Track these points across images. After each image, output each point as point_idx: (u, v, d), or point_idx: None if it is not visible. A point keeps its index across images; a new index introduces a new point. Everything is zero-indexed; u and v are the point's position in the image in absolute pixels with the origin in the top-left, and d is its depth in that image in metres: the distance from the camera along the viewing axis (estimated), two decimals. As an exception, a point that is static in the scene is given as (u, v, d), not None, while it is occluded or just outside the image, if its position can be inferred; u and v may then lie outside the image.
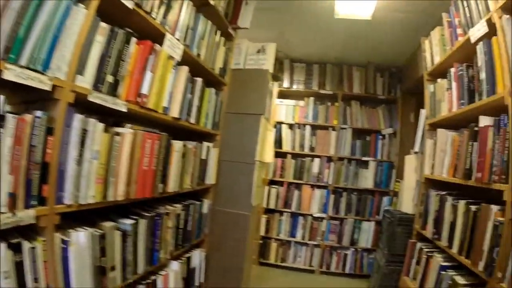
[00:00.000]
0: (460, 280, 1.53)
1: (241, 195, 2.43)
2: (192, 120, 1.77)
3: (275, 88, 3.58)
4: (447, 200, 1.79)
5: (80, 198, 1.04)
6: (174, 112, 1.59)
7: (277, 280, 3.33)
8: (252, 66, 2.67)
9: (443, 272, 1.67)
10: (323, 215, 3.62)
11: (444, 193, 1.88)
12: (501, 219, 1.32)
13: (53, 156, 0.94)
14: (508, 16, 1.31)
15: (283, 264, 3.65)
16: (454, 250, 1.63)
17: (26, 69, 0.85)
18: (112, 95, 1.17)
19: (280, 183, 3.74)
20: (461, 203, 1.64)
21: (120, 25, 1.18)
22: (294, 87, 3.81)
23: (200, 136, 2.00)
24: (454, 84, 1.83)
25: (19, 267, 0.85)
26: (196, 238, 1.97)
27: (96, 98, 1.09)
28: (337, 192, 3.64)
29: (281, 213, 3.72)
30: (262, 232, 3.65)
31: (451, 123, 1.92)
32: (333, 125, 3.71)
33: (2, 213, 0.81)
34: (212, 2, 1.81)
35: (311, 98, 3.80)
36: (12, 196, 0.84)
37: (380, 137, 3.62)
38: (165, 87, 1.48)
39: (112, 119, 1.28)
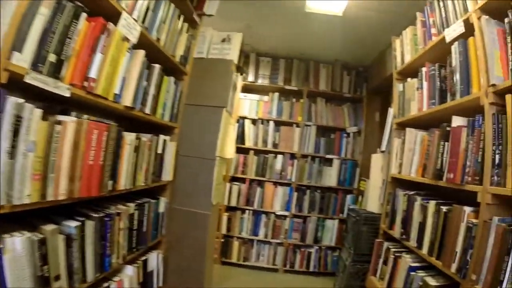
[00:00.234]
0: (431, 281, 1.51)
1: (200, 193, 2.33)
2: (147, 110, 1.63)
3: (239, 80, 3.44)
4: (416, 200, 1.78)
5: (13, 198, 0.89)
6: (127, 101, 1.43)
7: (240, 280, 3.25)
8: (215, 55, 2.53)
9: (413, 273, 1.65)
10: (286, 213, 3.58)
11: (412, 193, 1.88)
12: (474, 220, 1.31)
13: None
14: (487, 17, 1.29)
15: (246, 263, 3.57)
16: (424, 251, 1.62)
17: None
18: (54, 77, 1.01)
19: (242, 180, 3.65)
20: (431, 204, 1.63)
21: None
22: (259, 81, 3.71)
23: (156, 128, 1.87)
24: (425, 84, 1.82)
25: None
26: (152, 240, 1.86)
27: (34, 79, 0.92)
28: (301, 189, 3.61)
29: (243, 211, 3.63)
30: (223, 230, 3.56)
31: (420, 123, 1.92)
32: (297, 122, 3.66)
33: None
34: (177, -17, 1.64)
35: (276, 94, 3.73)
36: None
37: (345, 135, 3.64)
38: (117, 72, 1.32)
39: (60, 107, 1.13)
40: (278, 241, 3.55)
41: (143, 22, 1.51)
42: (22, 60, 0.89)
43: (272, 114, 3.70)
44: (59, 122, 1.04)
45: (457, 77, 1.50)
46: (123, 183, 1.46)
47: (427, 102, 1.80)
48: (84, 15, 1.10)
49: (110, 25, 1.24)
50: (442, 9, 1.63)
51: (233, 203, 3.60)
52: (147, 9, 1.51)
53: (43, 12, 0.94)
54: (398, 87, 2.18)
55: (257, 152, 3.66)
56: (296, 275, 3.49)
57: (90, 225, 1.23)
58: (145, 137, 1.65)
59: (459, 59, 1.48)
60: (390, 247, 2.00)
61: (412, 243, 1.75)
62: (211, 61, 2.50)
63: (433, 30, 1.73)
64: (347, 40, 3.00)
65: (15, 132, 0.87)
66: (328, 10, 2.37)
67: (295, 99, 3.74)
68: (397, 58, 2.21)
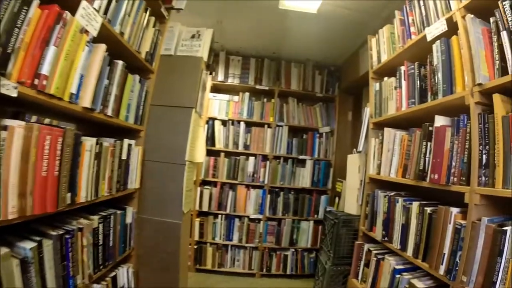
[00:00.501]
0: (418, 283, 1.48)
1: (170, 200, 2.18)
2: (109, 112, 1.48)
3: (208, 79, 3.30)
4: (397, 202, 1.76)
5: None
6: (85, 101, 1.27)
7: (216, 287, 3.12)
8: (184, 52, 2.37)
9: (398, 276, 1.62)
10: (260, 216, 3.48)
11: (392, 193, 1.85)
12: (463, 222, 1.29)
13: None
14: (472, 15, 1.27)
15: (221, 270, 3.44)
16: (409, 253, 1.60)
17: None
18: (-1, 73, 0.85)
19: (213, 184, 3.51)
20: (414, 205, 1.60)
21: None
22: (229, 81, 3.58)
23: (120, 132, 1.75)
24: (404, 83, 1.81)
25: None
26: (121, 254, 1.74)
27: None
28: (274, 191, 3.54)
29: (215, 215, 3.49)
30: (196, 236, 3.41)
31: (399, 122, 1.91)
32: (269, 122, 3.58)
33: None
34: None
35: (247, 94, 3.62)
36: None
37: (317, 135, 3.61)
38: (74, 68, 1.17)
39: (12, 109, 1.02)
40: (253, 245, 3.46)
41: (105, 13, 1.38)
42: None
43: (243, 114, 3.60)
44: (5, 128, 0.88)
45: (439, 76, 1.49)
46: (84, 194, 1.33)
47: (406, 102, 1.79)
48: (36, 1, 0.96)
49: (67, 15, 1.10)
50: (423, 8, 1.62)
51: (205, 207, 3.45)
52: (110, -1, 1.37)
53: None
54: (374, 86, 2.16)
55: (228, 154, 3.54)
56: (274, 278, 3.42)
57: (48, 245, 1.10)
58: (107, 142, 1.52)
59: (442, 58, 1.46)
60: (371, 249, 1.97)
61: (395, 245, 1.73)
62: (180, 58, 2.34)
63: (413, 29, 1.71)
64: (321, 39, 2.96)
65: None
66: (303, 8, 2.30)
67: (266, 99, 3.66)
68: (373, 57, 2.19)
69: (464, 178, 1.31)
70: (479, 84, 1.24)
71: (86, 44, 1.21)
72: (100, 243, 1.50)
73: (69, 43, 1.11)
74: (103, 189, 1.50)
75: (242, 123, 3.55)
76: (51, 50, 1.03)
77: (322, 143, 3.60)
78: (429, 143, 1.54)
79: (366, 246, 2.04)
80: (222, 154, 3.51)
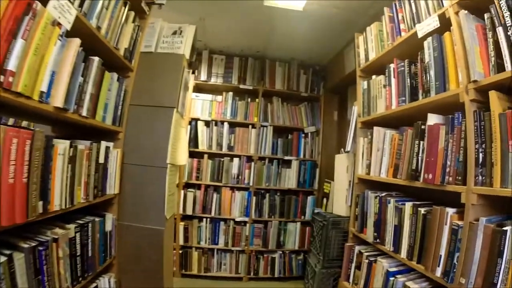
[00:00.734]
0: (414, 286, 1.45)
1: (152, 206, 2.08)
2: (84, 112, 1.38)
3: (191, 78, 3.19)
4: (389, 202, 1.73)
5: None
6: (57, 101, 1.16)
7: (204, 291, 3.03)
8: (165, 50, 2.26)
9: (392, 278, 1.59)
10: (246, 219, 3.40)
11: (383, 194, 1.83)
12: (459, 222, 1.27)
13: None
14: (466, 11, 1.25)
15: (207, 274, 3.34)
16: (402, 255, 1.57)
17: None
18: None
19: (197, 186, 3.40)
20: (407, 206, 1.58)
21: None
22: (212, 80, 3.48)
23: (97, 133, 1.64)
24: (393, 81, 1.78)
25: None
26: (101, 264, 1.66)
27: None
28: (259, 193, 3.46)
29: (200, 219, 3.38)
30: (181, 241, 3.29)
31: (388, 121, 1.88)
32: (253, 123, 3.50)
33: None
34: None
35: (230, 93, 3.53)
36: None
37: (303, 135, 3.56)
38: (44, 64, 1.06)
39: None
40: (239, 248, 3.37)
41: (80, 6, 1.28)
42: None
43: (227, 115, 3.50)
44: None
45: (431, 73, 1.46)
46: (58, 202, 1.23)
47: (396, 100, 1.76)
48: (1, -11, 0.85)
49: (37, 5, 1.00)
50: (413, 5, 1.59)
51: (189, 211, 3.33)
52: (86, -10, 1.27)
53: None
54: (362, 84, 2.13)
55: (212, 155, 3.44)
56: (261, 281, 3.35)
57: (20, 259, 1.03)
58: (83, 145, 1.41)
59: (434, 55, 1.44)
60: (362, 251, 1.94)
61: (388, 247, 1.69)
62: (160, 55, 2.23)
63: (402, 26, 1.69)
64: (306, 38, 2.91)
65: None
66: (289, 5, 2.24)
67: (250, 98, 3.59)
68: (361, 55, 2.16)
69: (460, 178, 1.29)
70: (474, 81, 1.21)
71: (58, 38, 1.11)
72: (78, 253, 1.41)
73: (39, 36, 1.01)
74: (79, 196, 1.40)
75: (225, 124, 3.46)
76: (19, 44, 0.93)
77: (307, 143, 3.56)
78: (421, 142, 1.51)
79: (357, 248, 2.00)
80: (206, 155, 3.41)
